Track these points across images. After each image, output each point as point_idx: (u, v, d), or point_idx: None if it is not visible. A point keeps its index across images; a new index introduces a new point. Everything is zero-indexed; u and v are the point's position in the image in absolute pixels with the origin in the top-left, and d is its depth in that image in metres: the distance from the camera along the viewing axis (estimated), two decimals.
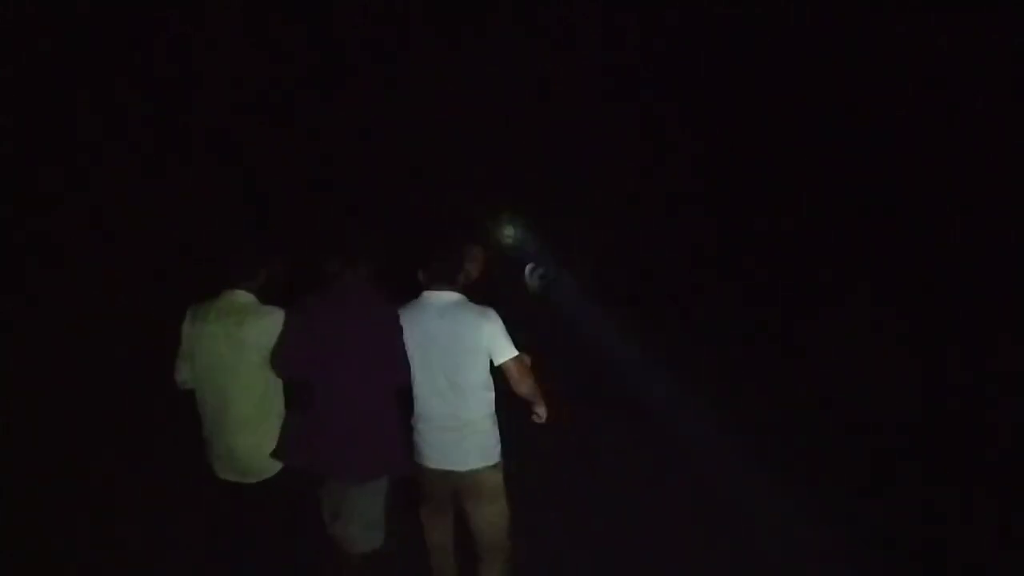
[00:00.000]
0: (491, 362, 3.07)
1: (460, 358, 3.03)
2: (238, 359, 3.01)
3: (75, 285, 5.80)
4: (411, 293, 3.20)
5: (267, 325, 3.02)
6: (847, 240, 7.72)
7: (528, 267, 11.90)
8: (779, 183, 8.17)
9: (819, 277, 7.72)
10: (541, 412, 3.18)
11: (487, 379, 3.10)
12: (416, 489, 3.23)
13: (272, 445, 3.05)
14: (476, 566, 3.23)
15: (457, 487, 3.14)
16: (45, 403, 5.08)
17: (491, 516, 3.14)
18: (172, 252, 6.34)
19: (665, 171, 9.49)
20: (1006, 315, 6.34)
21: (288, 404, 3.14)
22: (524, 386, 3.08)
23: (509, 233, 13.28)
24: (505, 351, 3.04)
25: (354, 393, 2.99)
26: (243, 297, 3.12)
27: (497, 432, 3.15)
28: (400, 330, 3.04)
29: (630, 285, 8.95)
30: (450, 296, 3.11)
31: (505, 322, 3.06)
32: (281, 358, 3.01)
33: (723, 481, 4.75)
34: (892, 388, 5.96)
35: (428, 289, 3.14)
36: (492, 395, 3.13)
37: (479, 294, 3.29)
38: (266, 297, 3.14)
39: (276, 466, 3.05)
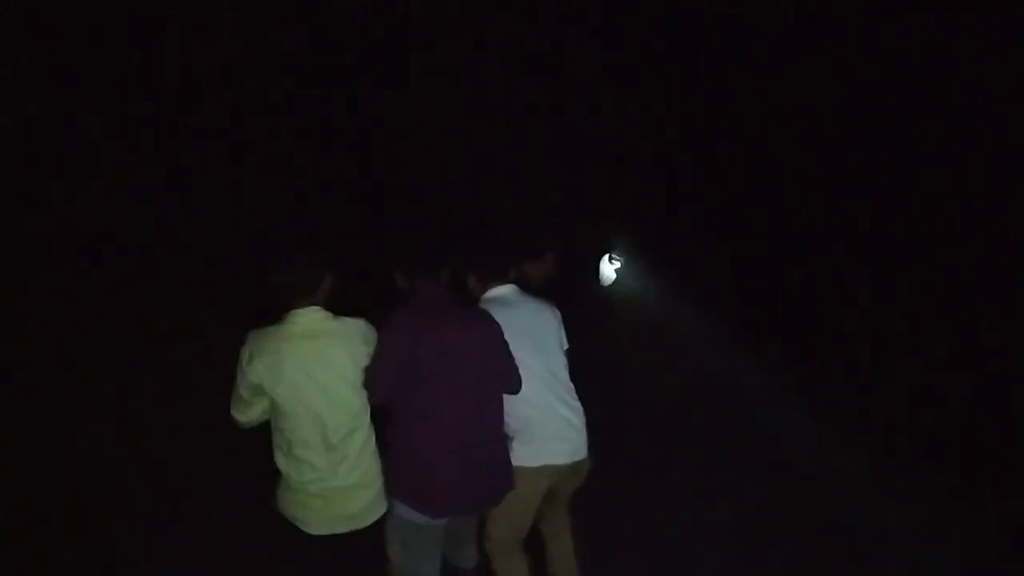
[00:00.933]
0: None
1: (551, 346, 3.09)
2: (339, 385, 2.64)
3: (75, 285, 5.80)
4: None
5: (357, 336, 2.70)
6: (847, 239, 7.70)
7: (606, 257, 11.85)
8: (783, 183, 8.15)
9: (820, 275, 7.71)
10: None
11: None
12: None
13: (376, 485, 2.75)
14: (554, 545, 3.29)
15: (567, 477, 3.08)
16: (45, 403, 5.08)
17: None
18: (172, 253, 6.34)
19: (665, 172, 9.49)
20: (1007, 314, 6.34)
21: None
22: None
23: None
24: (566, 339, 3.23)
25: (482, 411, 2.80)
26: (317, 314, 2.70)
27: None
28: (500, 331, 2.89)
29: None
30: (513, 288, 3.15)
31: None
32: (380, 382, 2.70)
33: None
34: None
35: (486, 289, 3.13)
36: None
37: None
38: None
39: (379, 512, 2.74)
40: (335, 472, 2.64)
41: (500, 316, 2.94)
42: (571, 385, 3.09)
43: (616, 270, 11.03)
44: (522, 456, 2.92)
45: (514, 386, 2.89)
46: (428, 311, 2.78)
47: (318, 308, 2.72)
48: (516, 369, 2.87)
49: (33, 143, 6.02)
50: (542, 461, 2.93)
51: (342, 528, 2.67)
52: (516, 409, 2.92)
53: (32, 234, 6.01)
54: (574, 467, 3.03)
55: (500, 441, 2.86)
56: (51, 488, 4.33)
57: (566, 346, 3.18)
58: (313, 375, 2.61)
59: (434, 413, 2.69)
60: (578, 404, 3.08)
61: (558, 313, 3.19)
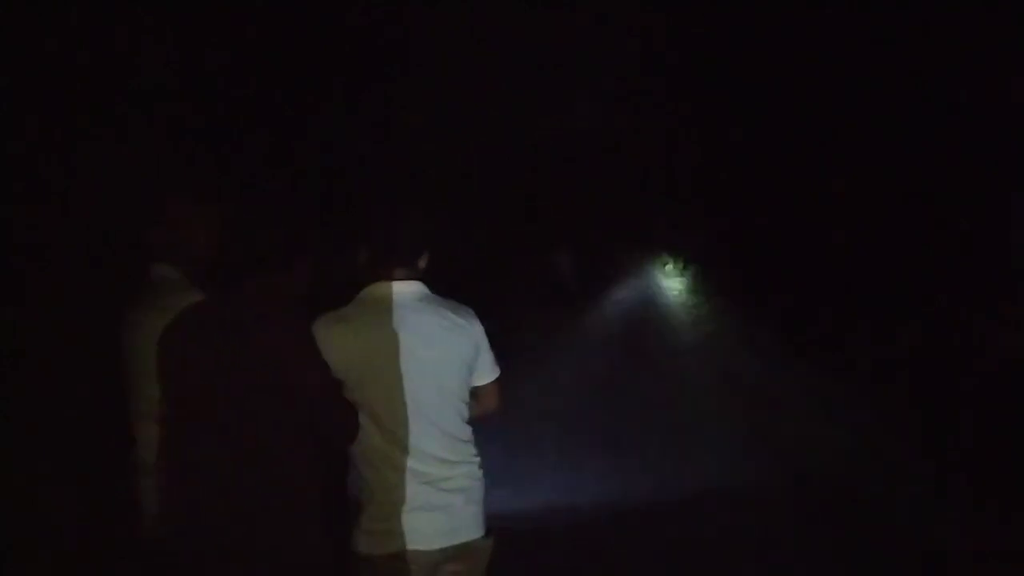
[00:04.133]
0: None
1: (443, 378, 2.08)
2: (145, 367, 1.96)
3: (72, 286, 5.74)
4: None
5: None
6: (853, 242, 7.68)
7: (558, 257, 11.97)
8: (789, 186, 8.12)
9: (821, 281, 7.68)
10: None
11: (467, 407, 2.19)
12: None
13: None
14: None
15: (447, 569, 2.12)
16: (44, 405, 5.02)
17: None
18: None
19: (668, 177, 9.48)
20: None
21: None
22: (489, 416, 2.29)
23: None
24: (492, 367, 2.23)
25: (249, 472, 1.83)
26: (168, 272, 2.16)
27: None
28: (321, 361, 1.93)
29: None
30: (412, 288, 2.10)
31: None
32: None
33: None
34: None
35: (375, 280, 2.10)
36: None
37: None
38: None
39: None
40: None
41: (354, 327, 2.02)
42: (464, 432, 2.14)
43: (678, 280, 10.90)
44: (368, 538, 2.03)
45: (342, 433, 1.99)
46: (198, 316, 1.94)
47: (173, 267, 2.22)
48: (337, 410, 1.96)
49: (30, 142, 5.94)
50: (396, 546, 2.00)
51: None
52: (359, 469, 2.06)
53: (28, 232, 5.94)
54: (454, 553, 2.08)
55: (279, 526, 1.84)
56: (51, 491, 4.29)
57: (487, 379, 2.22)
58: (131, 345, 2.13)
59: (170, 464, 1.91)
60: (464, 466, 2.12)
61: (476, 330, 2.17)
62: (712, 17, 7.66)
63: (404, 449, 2.03)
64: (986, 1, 5.89)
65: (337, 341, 1.98)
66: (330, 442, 2.00)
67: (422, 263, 2.16)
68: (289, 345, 1.87)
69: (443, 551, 2.06)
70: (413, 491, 2.04)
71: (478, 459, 2.19)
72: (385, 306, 2.06)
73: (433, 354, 2.06)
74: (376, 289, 2.09)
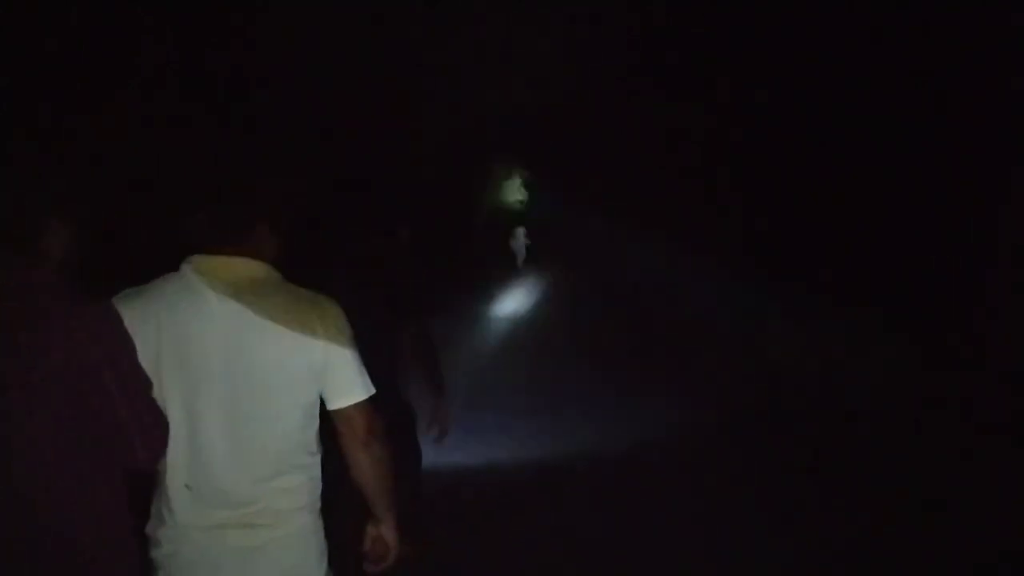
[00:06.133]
0: (318, 402, 1.67)
1: (265, 391, 1.57)
2: None
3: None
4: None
5: None
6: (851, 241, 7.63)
7: (517, 232, 12.59)
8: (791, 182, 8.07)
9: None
10: (387, 528, 1.76)
11: (311, 433, 1.67)
12: None
13: None
14: None
15: None
16: None
17: None
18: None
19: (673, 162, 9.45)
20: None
21: None
22: (373, 452, 1.68)
23: (518, 196, 13.60)
24: (355, 385, 1.65)
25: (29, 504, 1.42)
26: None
27: (323, 534, 1.71)
28: (131, 349, 1.48)
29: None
30: (246, 267, 1.60)
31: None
32: None
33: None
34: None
35: (196, 253, 1.62)
36: (318, 463, 1.70)
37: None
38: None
39: None
40: None
41: (150, 314, 1.53)
42: (287, 465, 1.62)
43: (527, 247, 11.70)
44: None
45: (137, 450, 1.48)
46: None
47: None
48: (134, 418, 1.45)
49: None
50: None
51: None
52: (155, 496, 1.64)
53: None
54: None
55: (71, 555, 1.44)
56: None
57: (348, 400, 1.65)
58: None
59: None
60: (278, 512, 1.61)
61: (333, 332, 1.62)
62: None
63: (194, 478, 1.56)
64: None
65: (136, 327, 1.49)
66: (134, 465, 1.51)
67: (263, 236, 1.64)
68: (82, 338, 1.39)
69: None
70: (194, 533, 1.58)
71: (307, 502, 1.65)
72: (197, 290, 1.54)
73: (252, 355, 1.54)
74: (194, 263, 1.58)
